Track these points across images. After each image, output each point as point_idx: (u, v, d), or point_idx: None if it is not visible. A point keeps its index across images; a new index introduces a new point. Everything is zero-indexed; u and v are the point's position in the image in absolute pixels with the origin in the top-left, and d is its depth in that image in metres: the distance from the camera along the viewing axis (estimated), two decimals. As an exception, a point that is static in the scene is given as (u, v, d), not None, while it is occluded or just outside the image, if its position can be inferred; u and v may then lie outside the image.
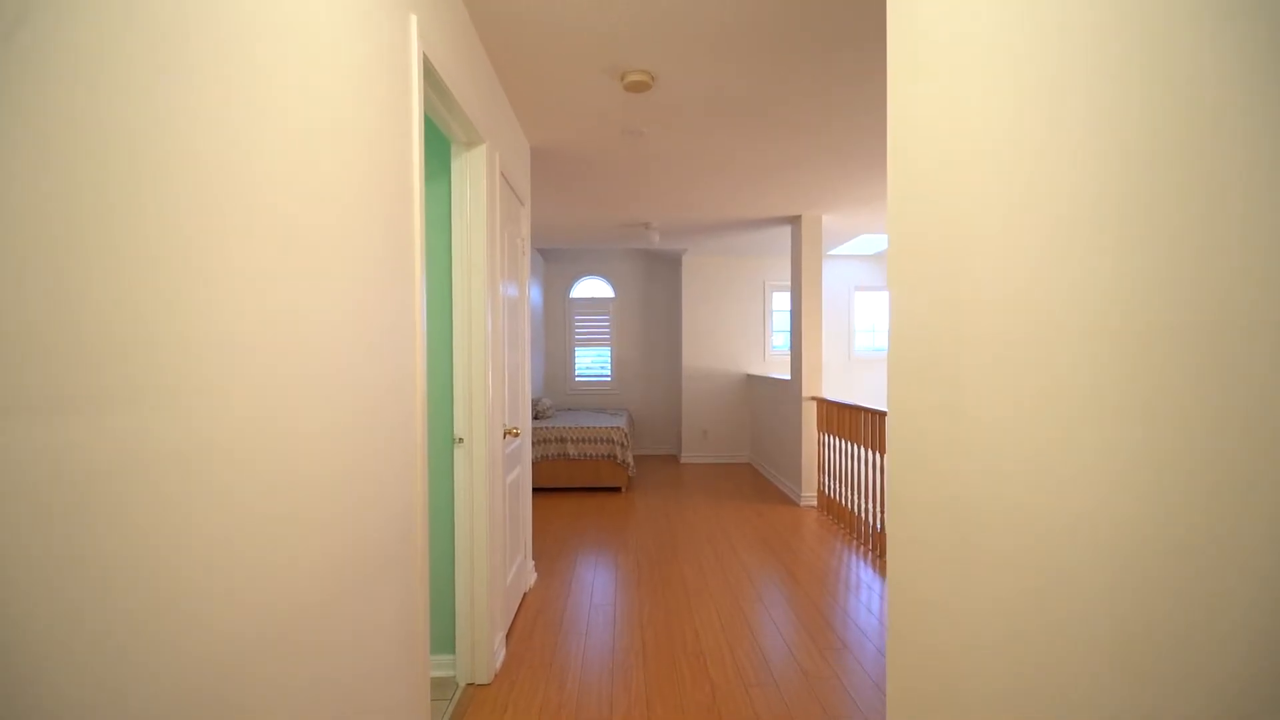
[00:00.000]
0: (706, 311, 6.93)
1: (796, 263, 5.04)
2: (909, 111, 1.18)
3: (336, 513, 1.07)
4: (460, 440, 2.21)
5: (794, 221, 5.06)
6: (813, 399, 4.90)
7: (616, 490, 5.49)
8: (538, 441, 5.37)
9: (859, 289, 7.12)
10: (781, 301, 7.09)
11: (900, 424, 1.24)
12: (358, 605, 1.15)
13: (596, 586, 3.22)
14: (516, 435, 2.58)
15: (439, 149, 2.26)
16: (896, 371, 1.26)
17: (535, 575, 3.32)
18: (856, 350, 7.10)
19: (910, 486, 1.21)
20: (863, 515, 4.07)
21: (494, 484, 2.39)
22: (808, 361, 4.93)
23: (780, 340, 7.10)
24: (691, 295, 6.91)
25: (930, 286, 1.13)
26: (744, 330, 6.97)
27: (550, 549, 3.86)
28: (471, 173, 2.23)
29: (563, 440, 5.40)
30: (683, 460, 6.93)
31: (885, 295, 7.22)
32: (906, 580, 1.23)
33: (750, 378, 6.87)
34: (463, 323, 2.23)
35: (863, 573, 3.44)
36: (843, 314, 7.01)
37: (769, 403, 6.06)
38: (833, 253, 6.77)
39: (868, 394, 6.96)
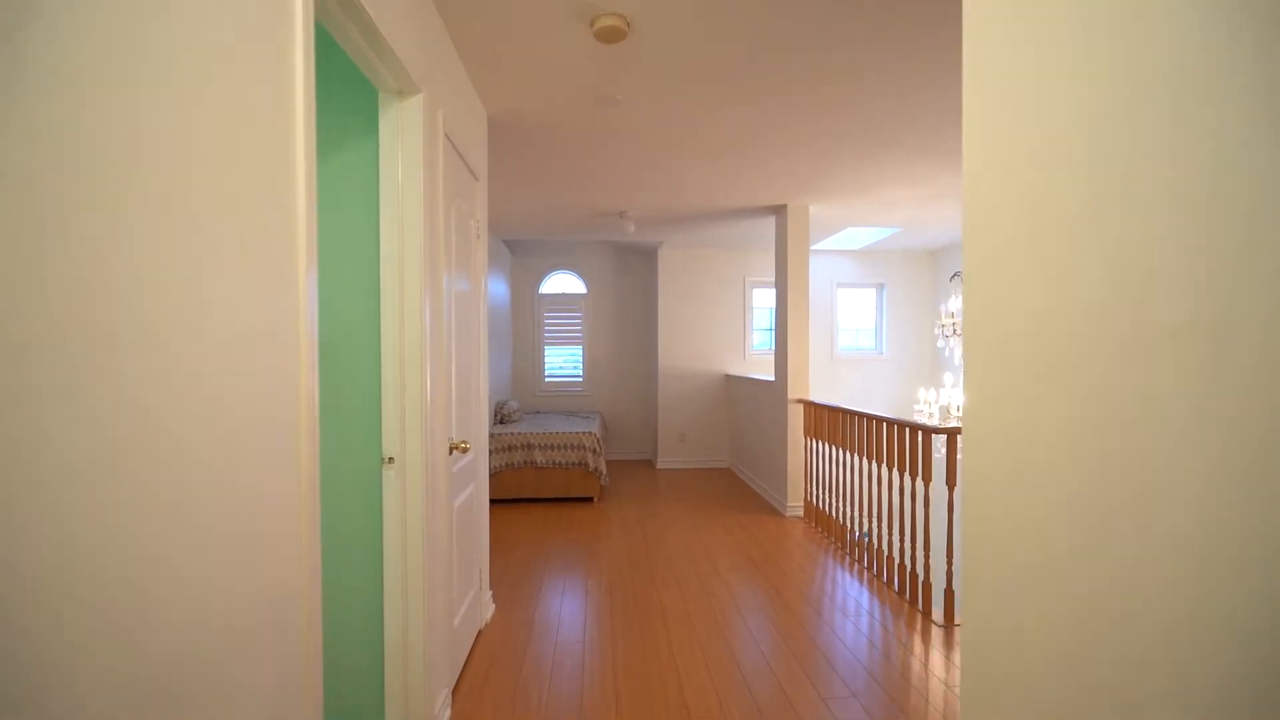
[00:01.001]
0: (684, 308, 6.56)
1: (782, 255, 4.70)
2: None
3: (163, 581, 0.66)
4: (390, 460, 1.79)
5: (779, 211, 4.72)
6: (799, 402, 4.57)
7: (588, 501, 5.08)
8: (502, 449, 4.93)
9: (842, 286, 6.83)
10: (762, 298, 6.76)
11: (994, 442, 0.87)
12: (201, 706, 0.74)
13: (564, 620, 2.82)
14: (465, 450, 2.16)
15: (363, 100, 1.83)
16: (984, 373, 0.89)
17: (493, 607, 2.90)
18: (840, 349, 6.81)
19: (1012, 525, 0.84)
20: (853, 528, 3.75)
21: (436, 510, 1.97)
22: (793, 362, 4.59)
23: (761, 339, 6.77)
24: (668, 291, 6.54)
25: (1047, 266, 0.76)
26: (723, 328, 6.62)
27: (512, 571, 3.44)
28: (405, 130, 1.80)
29: (529, 447, 4.97)
30: (659, 466, 6.56)
31: (870, 293, 6.97)
32: (998, 667, 0.86)
33: (730, 378, 6.53)
34: (393, 319, 1.80)
35: (860, 596, 3.10)
36: (825, 312, 6.71)
37: (751, 405, 5.72)
38: (815, 248, 6.46)
39: (851, 395, 6.67)
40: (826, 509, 4.14)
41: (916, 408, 4.38)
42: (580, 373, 7.07)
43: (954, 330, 4.23)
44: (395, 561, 1.82)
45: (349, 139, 1.83)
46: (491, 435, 4.94)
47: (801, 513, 4.57)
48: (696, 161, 3.59)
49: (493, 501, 4.99)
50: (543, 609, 2.94)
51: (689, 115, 2.89)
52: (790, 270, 4.60)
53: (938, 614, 2.86)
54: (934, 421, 4.25)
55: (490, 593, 2.91)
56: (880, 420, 3.36)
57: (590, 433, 5.06)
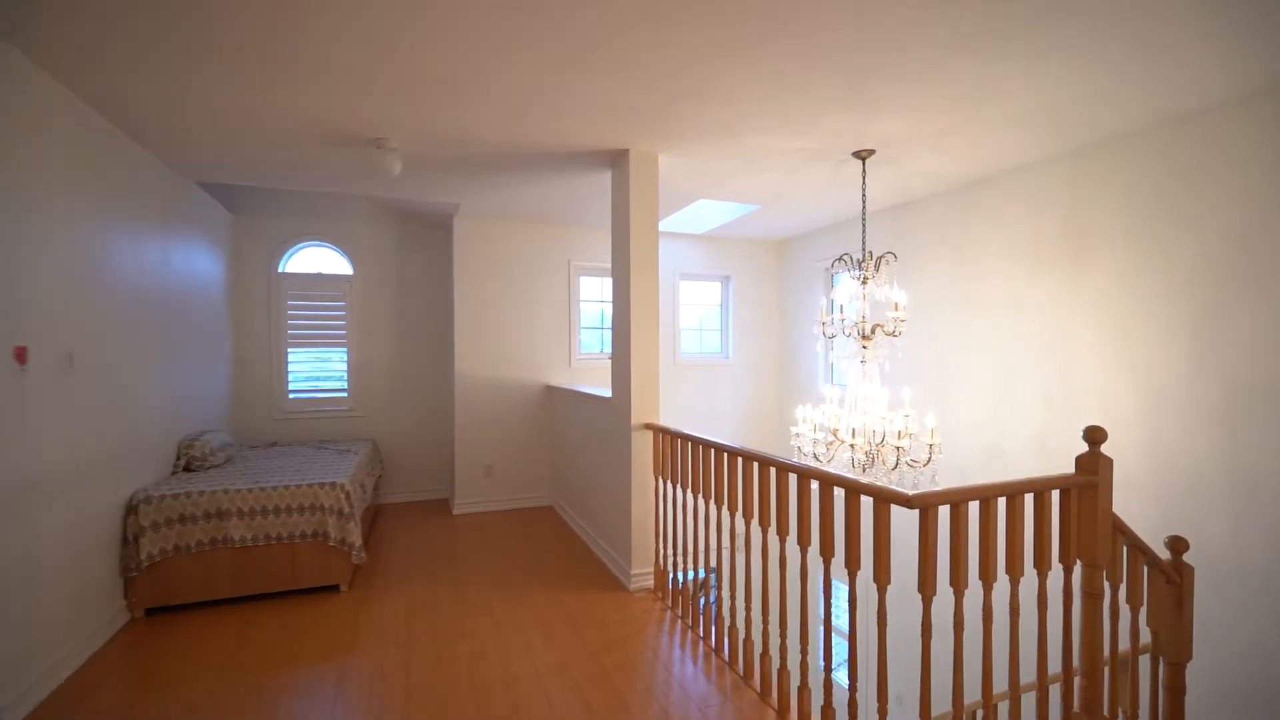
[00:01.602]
0: (489, 298, 4.96)
1: (622, 222, 3.36)
2: None
3: None
4: None
5: (618, 160, 3.38)
6: (648, 428, 3.26)
7: (332, 591, 3.27)
8: (170, 520, 2.92)
9: (684, 277, 5.75)
10: (590, 289, 5.42)
11: None
12: None
13: None
14: None
15: None
16: None
17: None
18: (681, 353, 5.71)
19: None
20: (730, 617, 2.52)
21: None
22: (639, 371, 3.28)
23: (590, 340, 5.42)
24: (467, 273, 4.89)
25: None
26: (543, 326, 5.14)
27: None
28: None
29: (220, 515, 3.02)
30: (457, 510, 4.87)
31: (714, 287, 6.00)
32: None
33: (552, 390, 5.08)
34: None
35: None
36: (666, 308, 5.56)
37: (580, 427, 4.32)
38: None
39: (698, 414, 5.60)
40: (685, 576, 2.88)
41: (794, 430, 3.34)
42: (344, 385, 5.10)
43: (843, 330, 3.25)
44: None
45: None
46: (149, 498, 2.91)
47: (651, 583, 3.26)
48: (491, 35, 2.06)
49: (148, 612, 2.96)
50: None
51: None
52: (634, 243, 3.28)
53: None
54: (818, 449, 3.24)
55: None
56: (784, 468, 2.14)
57: (333, 485, 3.25)
